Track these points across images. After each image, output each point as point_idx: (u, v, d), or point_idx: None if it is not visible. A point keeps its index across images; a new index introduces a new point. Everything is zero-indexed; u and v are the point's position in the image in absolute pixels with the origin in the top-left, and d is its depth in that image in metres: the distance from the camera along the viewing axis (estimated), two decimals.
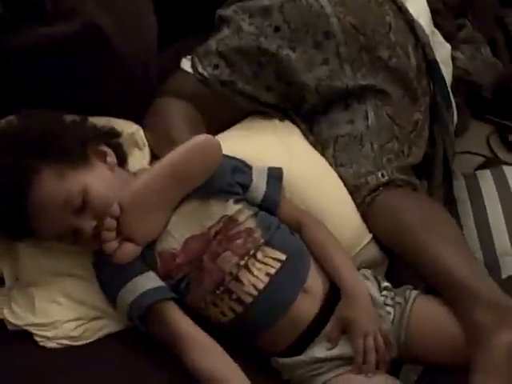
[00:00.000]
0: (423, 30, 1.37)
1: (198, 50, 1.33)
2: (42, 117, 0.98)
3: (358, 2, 1.29)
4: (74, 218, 0.93)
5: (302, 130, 1.27)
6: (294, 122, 1.29)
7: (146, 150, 1.13)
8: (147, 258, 0.95)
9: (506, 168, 1.53)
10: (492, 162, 1.61)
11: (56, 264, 0.98)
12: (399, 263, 1.13)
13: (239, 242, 0.95)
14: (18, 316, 0.95)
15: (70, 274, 0.98)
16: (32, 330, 0.93)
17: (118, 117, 1.14)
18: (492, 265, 1.29)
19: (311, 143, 1.25)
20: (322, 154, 1.23)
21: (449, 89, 1.39)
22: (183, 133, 1.15)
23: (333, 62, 1.25)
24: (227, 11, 1.33)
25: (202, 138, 0.97)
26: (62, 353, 0.92)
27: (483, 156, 1.68)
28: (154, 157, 1.14)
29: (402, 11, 1.35)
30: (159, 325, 0.92)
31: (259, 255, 0.95)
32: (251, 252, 0.95)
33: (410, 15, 1.36)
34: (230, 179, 1.01)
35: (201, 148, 0.96)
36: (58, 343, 0.93)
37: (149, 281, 0.93)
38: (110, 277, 0.94)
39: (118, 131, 1.04)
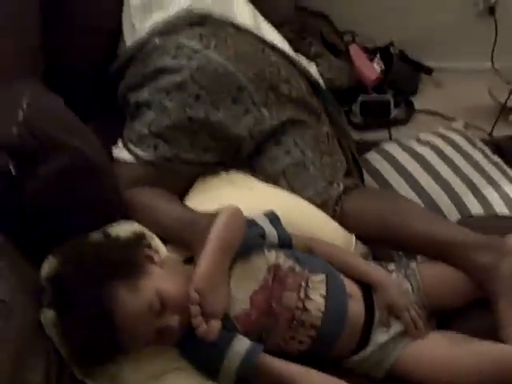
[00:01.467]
0: (298, 60, 1.63)
1: (128, 137, 1.44)
2: (82, 245, 1.06)
3: (249, 54, 1.51)
4: (158, 320, 1.03)
5: (250, 174, 1.46)
6: (237, 170, 1.47)
7: (156, 239, 1.23)
8: (227, 326, 1.08)
9: (384, 144, 1.86)
10: (368, 144, 1.91)
11: (152, 368, 1.06)
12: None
13: (290, 280, 1.13)
14: None
15: (167, 370, 1.07)
16: None
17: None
18: None
19: (263, 180, 1.44)
20: (276, 186, 1.44)
21: (334, 99, 1.66)
22: (174, 211, 1.27)
23: (252, 109, 1.45)
24: (142, 96, 1.46)
25: (229, 209, 1.12)
26: None
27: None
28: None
29: (277, 49, 1.59)
30: (266, 374, 1.06)
31: (309, 283, 1.14)
32: (302, 284, 1.13)
33: (284, 51, 1.61)
34: (250, 234, 1.17)
35: (233, 217, 1.11)
36: None
37: (242, 343, 1.06)
38: (206, 355, 1.06)
39: (142, 233, 1.14)
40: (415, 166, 1.73)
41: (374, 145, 1.86)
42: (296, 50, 1.72)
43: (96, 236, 1.10)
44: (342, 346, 1.15)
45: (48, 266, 1.06)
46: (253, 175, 1.46)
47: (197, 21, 1.54)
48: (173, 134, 1.41)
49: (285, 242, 1.21)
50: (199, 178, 1.45)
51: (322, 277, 1.16)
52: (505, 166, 1.79)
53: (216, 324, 1.05)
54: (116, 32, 1.62)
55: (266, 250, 1.16)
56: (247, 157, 1.47)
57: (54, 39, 1.52)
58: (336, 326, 1.13)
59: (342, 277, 1.20)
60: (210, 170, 1.45)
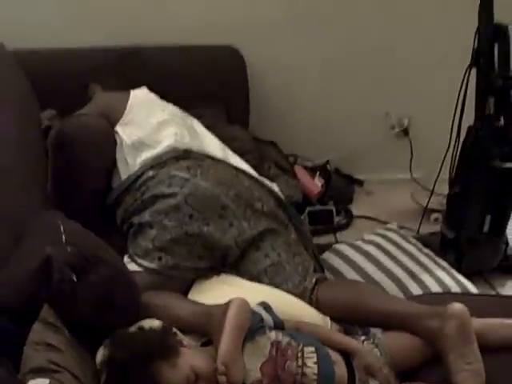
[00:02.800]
0: (264, 181, 2.01)
1: (135, 252, 1.75)
2: (129, 335, 1.35)
3: (227, 179, 1.88)
4: None
5: (236, 275, 1.78)
6: (225, 273, 1.79)
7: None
8: None
9: (337, 246, 2.24)
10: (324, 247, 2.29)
11: None
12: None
13: (290, 352, 1.44)
14: None
15: None
16: None
17: None
18: None
19: (248, 279, 1.77)
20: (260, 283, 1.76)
21: (295, 211, 2.04)
22: (188, 306, 1.57)
23: (235, 223, 1.80)
24: (144, 218, 1.79)
25: (238, 299, 1.44)
26: None
27: None
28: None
29: (247, 174, 1.97)
30: None
31: (304, 354, 1.45)
32: (299, 354, 1.44)
33: (254, 175, 1.99)
34: (255, 320, 1.48)
35: (242, 306, 1.43)
36: None
37: None
38: None
39: (167, 325, 1.44)
40: (364, 261, 2.11)
41: (327, 247, 2.23)
42: (260, 174, 2.11)
43: (133, 329, 1.39)
44: None
45: (101, 354, 1.33)
46: (239, 276, 1.78)
47: (181, 155, 1.90)
48: (173, 247, 1.73)
49: (278, 325, 1.53)
50: (196, 282, 1.76)
51: (312, 349, 1.47)
52: (434, 256, 2.19)
53: None
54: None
55: (267, 331, 1.47)
56: (233, 261, 1.80)
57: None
58: None
59: (326, 348, 1.51)
60: (203, 275, 1.77)
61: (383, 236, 2.25)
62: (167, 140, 1.95)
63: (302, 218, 2.61)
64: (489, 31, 2.16)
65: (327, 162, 2.82)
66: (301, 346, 1.46)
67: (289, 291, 1.73)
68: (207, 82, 2.39)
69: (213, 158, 1.96)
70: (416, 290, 2.01)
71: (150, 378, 1.27)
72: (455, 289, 2.04)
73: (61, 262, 1.31)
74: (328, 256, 2.16)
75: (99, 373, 1.31)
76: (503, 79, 2.17)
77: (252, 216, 1.84)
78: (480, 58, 2.19)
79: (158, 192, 1.80)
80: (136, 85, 2.19)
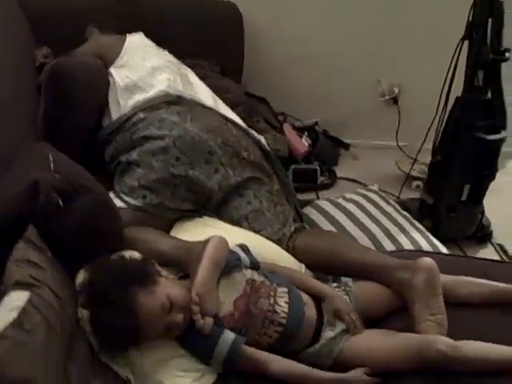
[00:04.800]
0: (253, 133, 2.06)
1: (121, 189, 1.80)
2: (110, 261, 1.40)
3: (217, 126, 1.92)
4: (167, 317, 1.37)
5: (218, 218, 1.84)
6: (208, 216, 1.85)
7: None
8: (217, 323, 1.43)
9: (318, 201, 2.29)
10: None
11: (162, 353, 1.39)
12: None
13: (263, 290, 1.50)
14: None
15: (173, 356, 1.40)
16: None
17: None
18: None
19: (228, 223, 1.82)
20: (240, 227, 1.82)
21: (280, 163, 2.09)
22: (170, 241, 1.62)
23: (221, 169, 1.85)
24: (132, 156, 1.83)
25: (217, 237, 1.50)
26: None
27: None
28: None
29: (236, 124, 2.02)
30: (246, 360, 1.41)
31: (276, 293, 1.52)
32: (272, 293, 1.51)
33: (242, 125, 2.03)
34: (232, 258, 1.54)
35: (220, 243, 1.49)
36: None
37: (229, 335, 1.41)
38: (202, 344, 1.40)
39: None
40: (343, 217, 2.17)
41: (308, 203, 2.29)
42: (248, 126, 2.15)
43: (114, 257, 1.44)
44: (300, 341, 1.51)
45: (81, 277, 1.38)
46: (220, 219, 1.83)
47: (173, 100, 1.94)
48: (158, 187, 1.78)
49: (254, 265, 1.59)
50: (177, 222, 1.81)
51: (285, 289, 1.54)
52: (412, 219, 2.25)
53: (210, 320, 1.40)
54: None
55: (243, 269, 1.53)
56: (216, 205, 1.85)
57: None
58: (296, 324, 1.50)
59: (299, 291, 1.58)
60: (186, 216, 1.82)
61: (364, 196, 2.31)
62: (160, 85, 1.99)
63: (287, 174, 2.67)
64: (484, 6, 2.20)
65: (316, 123, 2.87)
66: (274, 285, 1.53)
67: (267, 237, 1.79)
68: (204, 34, 2.41)
69: (204, 106, 2.00)
70: (390, 248, 2.07)
71: (127, 302, 1.32)
72: (428, 249, 2.10)
73: (48, 187, 1.35)
74: (309, 211, 2.22)
75: (78, 294, 1.36)
76: (494, 53, 2.21)
77: (238, 164, 1.88)
78: (473, 32, 2.23)
79: (148, 133, 1.84)
80: (133, 30, 2.22)
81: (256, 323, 1.47)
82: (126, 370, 1.36)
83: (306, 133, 2.81)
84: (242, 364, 1.42)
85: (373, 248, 2.03)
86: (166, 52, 2.19)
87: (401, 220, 2.22)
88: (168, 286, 1.41)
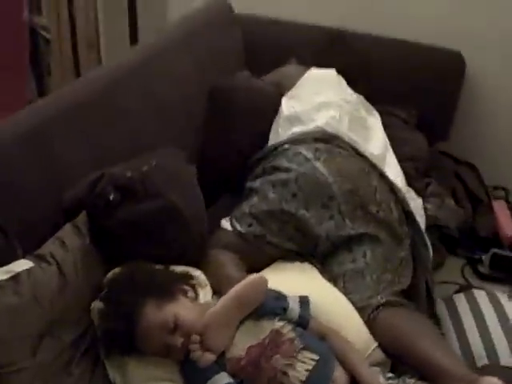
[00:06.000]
0: (400, 190, 1.85)
1: (235, 213, 1.79)
2: (141, 266, 1.42)
3: (351, 173, 1.78)
4: (168, 336, 1.33)
5: (318, 269, 1.70)
6: (311, 263, 1.72)
7: (208, 288, 1.54)
8: (219, 363, 1.34)
9: (475, 291, 1.95)
10: (465, 288, 2.02)
11: (154, 372, 1.36)
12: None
13: (285, 347, 1.35)
14: None
15: (164, 378, 1.36)
16: None
17: (184, 264, 1.57)
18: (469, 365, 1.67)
19: (326, 278, 1.68)
20: (335, 285, 1.66)
21: (423, 232, 1.84)
22: (234, 273, 1.57)
23: (337, 217, 1.71)
24: (255, 184, 1.81)
25: (255, 276, 1.40)
26: None
27: (458, 284, 2.11)
28: (215, 293, 1.55)
29: (384, 177, 1.84)
30: None
31: (300, 356, 1.35)
32: (294, 354, 1.35)
33: (389, 179, 1.84)
34: (273, 305, 1.42)
35: (255, 283, 1.39)
36: None
37: (223, 378, 1.31)
38: (194, 378, 1.33)
39: (192, 275, 1.47)
40: (492, 315, 1.80)
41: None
42: (409, 184, 1.95)
43: (159, 267, 1.45)
44: None
45: (112, 273, 1.43)
46: (320, 272, 1.69)
47: (323, 138, 1.87)
48: (266, 218, 1.73)
49: (302, 322, 1.44)
50: (278, 260, 1.73)
51: (315, 356, 1.36)
52: None
53: (209, 356, 1.32)
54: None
55: (276, 319, 1.40)
56: (322, 255, 1.72)
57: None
58: None
59: (336, 366, 1.38)
60: (289, 257, 1.73)
61: None
62: (320, 120, 1.94)
63: (484, 258, 2.33)
64: None
65: None
66: (301, 347, 1.36)
67: (352, 302, 1.60)
68: (411, 81, 2.25)
69: (357, 151, 1.88)
70: None
71: (133, 308, 1.33)
72: None
73: (108, 181, 1.44)
74: (459, 298, 1.90)
75: (103, 287, 1.42)
76: None
77: (361, 217, 1.73)
78: None
79: (278, 164, 1.82)
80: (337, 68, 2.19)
81: (261, 378, 1.33)
82: (116, 372, 1.37)
83: None
84: None
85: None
86: (355, 94, 2.11)
87: None
88: (184, 308, 1.37)
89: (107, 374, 1.36)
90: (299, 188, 1.73)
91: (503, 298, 1.87)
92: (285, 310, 1.44)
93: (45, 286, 1.28)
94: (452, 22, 2.34)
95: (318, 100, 2.01)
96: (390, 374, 1.41)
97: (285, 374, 1.33)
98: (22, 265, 1.29)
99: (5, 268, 1.27)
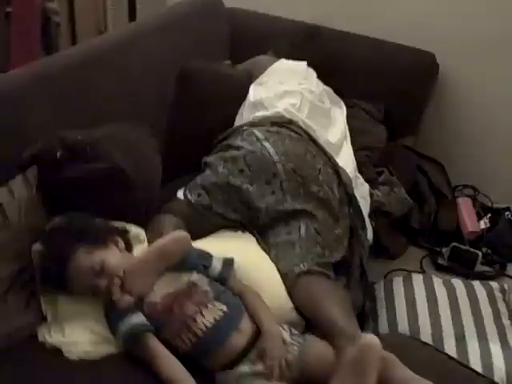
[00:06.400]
0: (346, 174, 1.98)
1: (189, 185, 1.94)
2: (79, 217, 1.59)
3: (297, 154, 1.91)
4: (94, 279, 1.49)
5: (256, 239, 1.84)
6: (251, 233, 1.86)
7: (145, 244, 1.70)
8: (138, 306, 1.49)
9: (413, 275, 2.06)
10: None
11: (82, 309, 1.53)
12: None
13: (197, 297, 1.50)
14: (53, 338, 1.48)
15: (89, 316, 1.52)
16: (62, 347, 1.47)
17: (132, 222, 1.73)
18: None
19: (262, 248, 1.82)
20: (268, 254, 1.79)
21: (364, 214, 1.96)
22: (168, 232, 1.72)
23: (278, 193, 1.85)
24: (210, 158, 1.97)
25: (179, 232, 1.56)
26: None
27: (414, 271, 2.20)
28: None
29: (331, 161, 1.97)
30: (141, 347, 1.45)
31: (210, 306, 1.49)
32: (204, 304, 1.49)
33: (336, 164, 1.97)
34: (195, 261, 1.57)
35: (177, 238, 1.55)
36: (77, 356, 1.45)
37: (138, 318, 1.46)
38: (113, 316, 1.49)
39: (127, 230, 1.63)
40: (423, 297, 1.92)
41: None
42: (360, 172, 2.08)
43: (98, 219, 1.62)
44: (213, 362, 1.47)
45: (53, 220, 1.61)
46: (258, 241, 1.84)
47: (279, 122, 2.01)
48: (213, 190, 1.88)
49: (221, 279, 1.58)
50: (222, 229, 1.88)
51: (224, 308, 1.50)
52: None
53: (127, 298, 1.48)
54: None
55: (195, 272, 1.55)
56: (262, 226, 1.86)
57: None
58: (212, 343, 1.46)
59: (244, 317, 1.52)
60: (232, 226, 1.88)
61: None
62: (281, 107, 2.08)
63: (444, 251, 2.44)
64: None
65: (507, 208, 2.51)
66: (212, 298, 1.51)
67: (279, 268, 1.73)
68: (383, 78, 2.37)
69: (310, 137, 2.02)
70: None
71: (67, 251, 1.50)
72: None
73: (60, 141, 1.62)
74: (397, 278, 2.02)
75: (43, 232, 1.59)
76: None
77: (302, 195, 1.86)
78: None
79: (232, 142, 1.97)
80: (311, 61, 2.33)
81: (173, 323, 1.48)
82: (48, 307, 1.54)
83: (489, 215, 2.49)
84: (139, 350, 1.46)
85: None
86: (319, 84, 2.25)
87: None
88: (112, 255, 1.53)
89: (40, 307, 1.52)
90: (246, 164, 1.88)
91: (437, 282, 1.98)
92: (206, 267, 1.59)
93: None
94: (427, 24, 2.45)
95: (282, 88, 2.16)
96: (296, 332, 1.54)
97: (194, 320, 1.47)
98: None
99: None
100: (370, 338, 1.37)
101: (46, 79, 1.87)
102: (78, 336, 1.49)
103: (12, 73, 1.87)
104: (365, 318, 1.96)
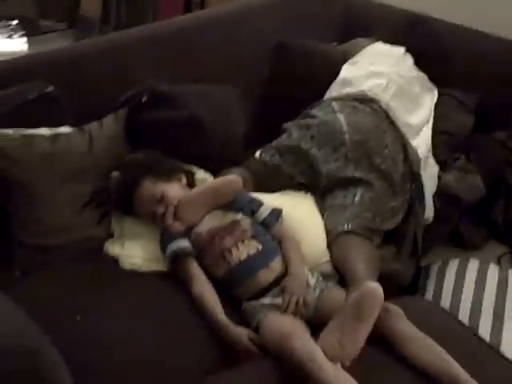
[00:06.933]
0: (415, 153, 2.06)
1: (266, 146, 2.13)
2: (154, 155, 1.85)
3: (367, 127, 2.03)
4: (154, 205, 1.74)
5: (315, 199, 1.99)
6: (312, 194, 2.01)
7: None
8: (186, 234, 1.72)
9: (471, 259, 2.08)
10: None
11: (142, 230, 1.79)
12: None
13: (237, 233, 1.69)
14: (114, 251, 1.76)
15: (147, 236, 1.77)
16: (120, 257, 1.74)
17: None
18: None
19: (319, 209, 1.96)
20: (322, 214, 1.94)
21: (426, 193, 2.03)
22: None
23: (341, 161, 1.98)
24: (288, 125, 2.14)
25: (232, 176, 1.76)
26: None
27: None
28: None
29: (402, 139, 2.06)
30: (182, 267, 1.67)
31: (246, 242, 1.68)
32: (241, 239, 1.68)
33: (407, 142, 2.06)
34: (244, 205, 1.76)
35: (230, 180, 1.75)
36: (129, 267, 1.71)
37: (183, 242, 1.69)
38: (164, 239, 1.72)
39: (193, 172, 1.87)
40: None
41: None
42: (435, 155, 2.15)
43: (170, 159, 1.87)
44: (242, 292, 1.65)
45: (133, 154, 1.87)
46: (317, 202, 1.98)
47: (361, 99, 2.14)
48: (285, 151, 2.06)
49: (265, 224, 1.76)
50: (288, 189, 2.05)
51: (259, 246, 1.68)
52: None
53: (178, 225, 1.71)
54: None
55: (240, 213, 1.75)
56: (323, 190, 2.01)
57: None
58: (242, 274, 1.64)
59: (277, 258, 1.68)
60: (298, 188, 2.04)
61: None
62: (366, 86, 2.21)
63: None
64: None
65: None
66: (251, 236, 1.70)
67: (326, 225, 1.87)
68: (481, 69, 2.39)
69: (386, 114, 2.13)
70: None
71: (134, 180, 1.77)
72: None
73: (148, 88, 1.89)
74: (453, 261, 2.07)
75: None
76: None
77: (365, 166, 1.98)
78: None
79: (310, 112, 2.14)
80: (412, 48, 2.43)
81: (212, 252, 1.69)
82: (116, 226, 1.82)
83: None
84: (181, 270, 1.68)
85: None
86: (412, 69, 2.33)
87: None
88: (172, 188, 1.77)
89: (110, 226, 1.81)
90: (318, 132, 2.03)
91: (492, 270, 2.00)
92: (253, 211, 1.77)
93: (74, 148, 1.76)
94: None
95: (371, 69, 2.27)
96: (321, 278, 1.68)
97: (230, 252, 1.67)
98: (64, 129, 1.78)
99: (52, 129, 1.78)
100: (374, 286, 1.47)
101: (156, 40, 2.16)
102: (134, 251, 1.74)
103: (128, 31, 2.18)
104: (416, 292, 2.02)
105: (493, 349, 1.60)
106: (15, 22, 3.45)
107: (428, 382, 1.40)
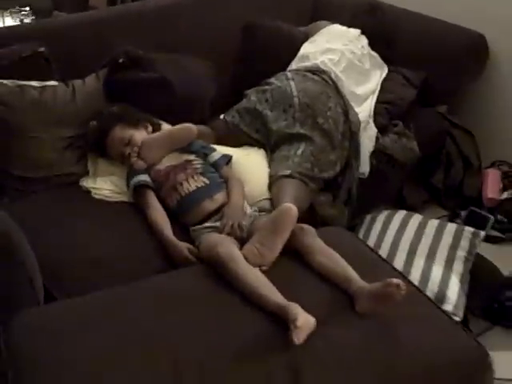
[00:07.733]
0: (356, 116, 2.38)
1: (230, 109, 2.47)
2: (127, 107, 2.20)
3: (314, 92, 2.35)
4: (122, 147, 2.09)
5: (266, 155, 2.32)
6: (264, 149, 2.35)
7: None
8: (148, 171, 2.06)
9: (399, 211, 2.40)
10: None
11: (112, 169, 2.14)
12: None
13: (189, 171, 2.03)
14: (88, 184, 2.11)
15: (116, 174, 2.13)
16: (92, 190, 2.09)
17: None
18: None
19: (268, 162, 2.29)
20: (269, 166, 2.27)
21: (362, 150, 2.35)
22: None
23: (289, 120, 2.31)
24: (248, 91, 2.48)
25: (188, 124, 2.10)
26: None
27: None
28: None
29: (344, 104, 2.39)
30: (141, 197, 2.01)
31: (196, 177, 2.02)
32: (191, 175, 2.02)
33: (348, 106, 2.38)
34: (198, 148, 2.11)
35: (187, 128, 2.10)
36: (99, 197, 2.07)
37: (144, 177, 2.04)
38: (130, 175, 2.07)
39: (159, 123, 2.22)
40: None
41: None
42: (376, 120, 2.47)
43: (140, 112, 2.22)
44: (190, 219, 1.98)
45: (109, 107, 2.22)
46: (267, 156, 2.32)
47: (314, 70, 2.48)
48: (243, 113, 2.39)
49: (215, 166, 2.10)
50: (245, 145, 2.38)
51: (206, 181, 2.02)
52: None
53: (140, 162, 2.06)
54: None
55: (194, 155, 2.09)
56: (273, 146, 2.34)
57: None
58: (189, 203, 1.98)
59: (221, 192, 2.02)
60: (253, 143, 2.37)
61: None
62: (320, 60, 2.55)
63: (463, 213, 2.70)
64: None
65: None
66: (199, 172, 2.04)
67: (269, 172, 2.20)
68: (432, 52, 2.70)
69: (333, 82, 2.45)
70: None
71: (107, 125, 2.12)
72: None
73: (125, 51, 2.25)
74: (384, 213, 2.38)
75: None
76: None
77: (309, 125, 2.30)
78: None
79: (268, 80, 2.47)
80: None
81: (167, 185, 2.03)
82: (91, 165, 2.18)
83: None
84: (141, 201, 2.03)
85: None
86: (365, 48, 2.66)
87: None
88: (139, 134, 2.12)
89: (87, 164, 2.16)
90: (272, 96, 2.36)
91: (416, 216, 2.31)
92: (206, 154, 2.12)
93: (59, 98, 2.12)
94: (478, 5, 2.73)
95: (326, 46, 2.60)
96: (258, 210, 2.01)
97: (181, 185, 2.01)
98: (52, 83, 2.14)
99: (41, 82, 2.14)
100: (289, 206, 1.78)
101: (140, 16, 2.52)
102: (105, 185, 2.09)
103: (116, 7, 2.55)
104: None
105: (397, 272, 1.87)
106: (27, 8, 3.82)
107: (328, 285, 1.68)
